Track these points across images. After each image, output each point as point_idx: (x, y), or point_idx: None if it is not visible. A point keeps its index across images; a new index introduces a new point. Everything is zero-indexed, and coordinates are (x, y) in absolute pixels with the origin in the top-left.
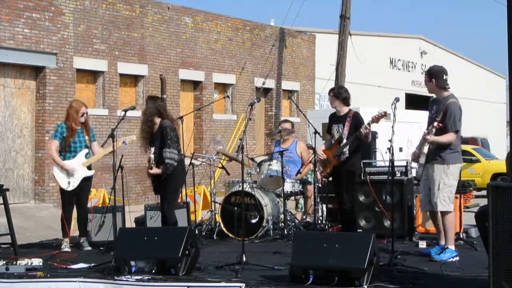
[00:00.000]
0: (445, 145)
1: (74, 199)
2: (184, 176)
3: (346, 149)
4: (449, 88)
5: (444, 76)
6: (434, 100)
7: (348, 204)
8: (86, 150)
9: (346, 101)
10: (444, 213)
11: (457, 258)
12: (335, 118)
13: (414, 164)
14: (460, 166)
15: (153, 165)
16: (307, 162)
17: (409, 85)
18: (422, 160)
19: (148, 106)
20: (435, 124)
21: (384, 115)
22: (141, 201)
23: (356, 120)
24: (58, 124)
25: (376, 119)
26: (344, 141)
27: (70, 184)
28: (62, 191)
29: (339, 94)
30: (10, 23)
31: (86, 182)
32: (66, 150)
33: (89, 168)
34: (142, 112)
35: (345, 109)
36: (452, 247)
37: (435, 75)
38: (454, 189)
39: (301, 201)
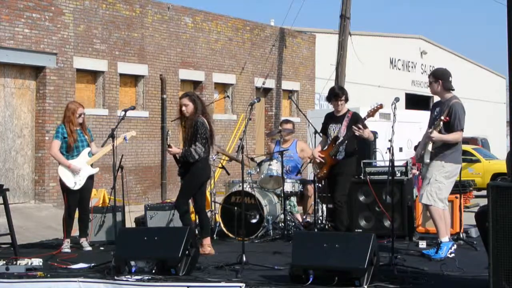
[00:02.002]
0: (450, 143)
1: (78, 200)
2: (203, 176)
3: (342, 148)
4: (453, 90)
5: (450, 78)
6: (436, 103)
7: (340, 204)
8: (88, 149)
9: (348, 100)
10: (429, 207)
11: (455, 247)
12: (333, 118)
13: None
14: (459, 167)
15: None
16: (307, 160)
17: (409, 85)
18: (427, 159)
19: (196, 105)
20: (442, 117)
21: (380, 107)
22: (141, 201)
23: (355, 119)
24: (59, 125)
25: (372, 113)
26: (341, 139)
27: (77, 183)
28: (67, 191)
29: (347, 97)
30: (10, 23)
31: (89, 181)
32: (70, 151)
33: (92, 166)
34: (189, 113)
35: (344, 109)
36: (445, 238)
37: (443, 77)
38: (445, 188)
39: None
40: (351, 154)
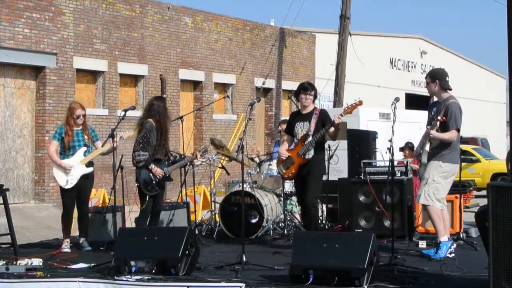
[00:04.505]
0: (446, 143)
1: (74, 199)
2: None
3: (312, 147)
4: (450, 90)
5: (447, 78)
6: (434, 103)
7: (312, 208)
8: (84, 148)
9: (316, 98)
10: (426, 207)
11: (454, 246)
12: (299, 116)
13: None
14: (457, 166)
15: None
16: None
17: (409, 85)
18: (424, 159)
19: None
20: (439, 117)
21: (359, 103)
22: None
23: (324, 116)
24: (59, 126)
25: (350, 110)
26: (310, 138)
27: (68, 182)
28: (63, 190)
29: (316, 95)
30: (10, 23)
31: (86, 181)
32: (66, 150)
33: (87, 165)
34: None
35: (311, 107)
36: (444, 238)
37: (440, 77)
38: (442, 188)
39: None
40: (320, 152)
